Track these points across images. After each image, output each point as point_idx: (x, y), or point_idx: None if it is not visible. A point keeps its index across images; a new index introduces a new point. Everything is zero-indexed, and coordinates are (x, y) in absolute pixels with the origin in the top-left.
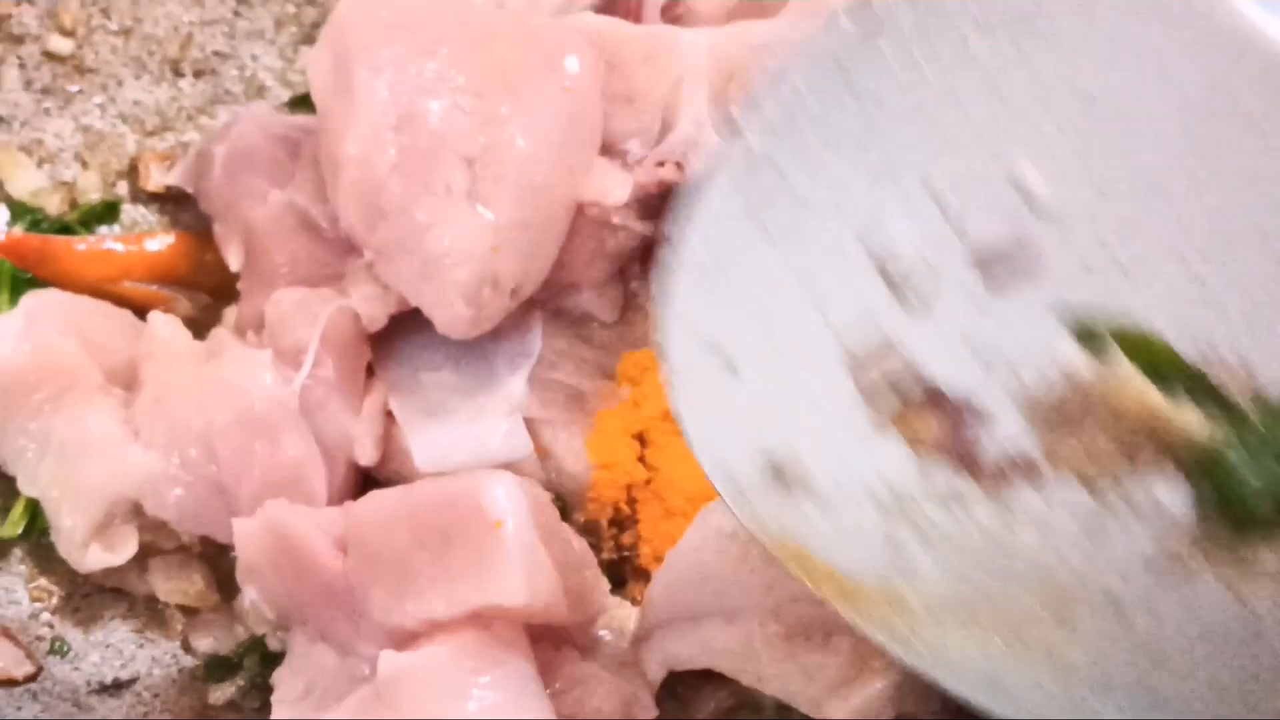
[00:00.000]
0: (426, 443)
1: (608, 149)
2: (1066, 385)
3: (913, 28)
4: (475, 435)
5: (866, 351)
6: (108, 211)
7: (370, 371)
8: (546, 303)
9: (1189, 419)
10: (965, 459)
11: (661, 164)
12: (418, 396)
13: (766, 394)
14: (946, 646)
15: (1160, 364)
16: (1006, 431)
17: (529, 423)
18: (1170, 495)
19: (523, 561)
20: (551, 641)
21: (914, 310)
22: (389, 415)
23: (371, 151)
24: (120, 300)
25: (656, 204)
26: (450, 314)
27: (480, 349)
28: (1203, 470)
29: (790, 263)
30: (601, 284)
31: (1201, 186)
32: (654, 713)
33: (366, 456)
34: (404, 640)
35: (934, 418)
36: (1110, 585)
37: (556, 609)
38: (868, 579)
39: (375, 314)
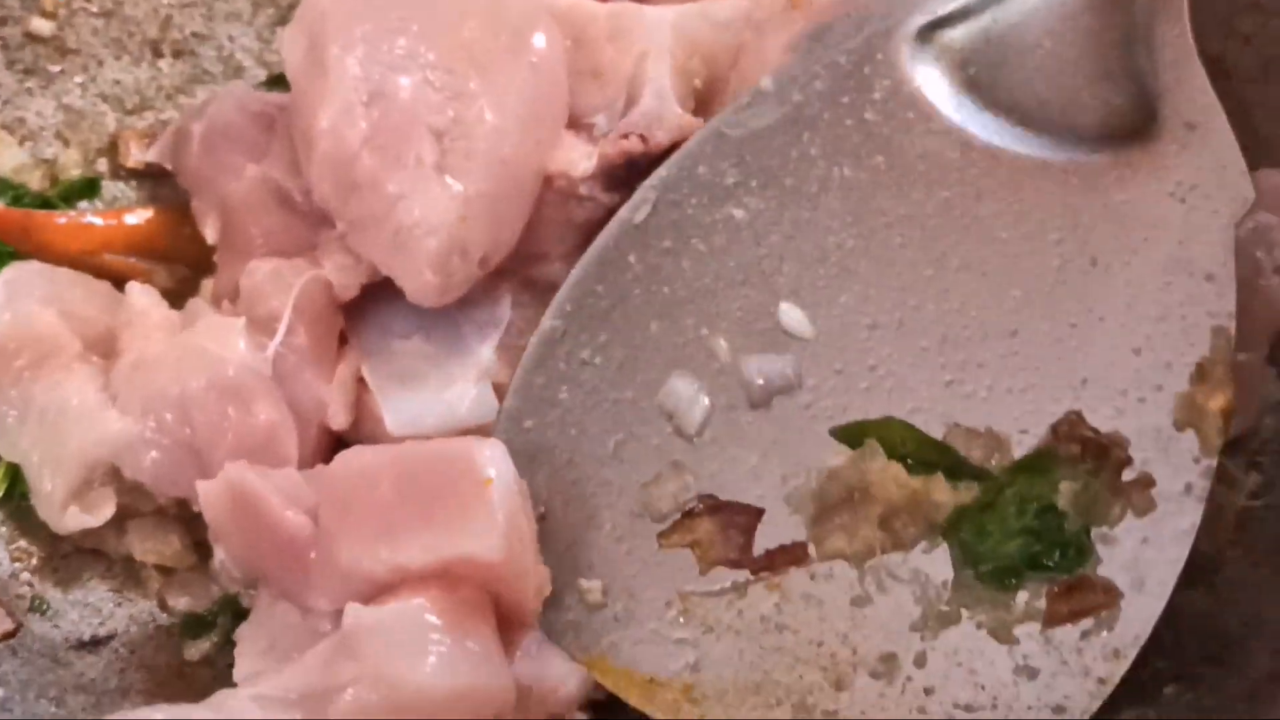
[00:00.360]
0: (397, 408)
1: (574, 123)
2: (828, 479)
3: (678, 209)
4: (445, 401)
5: (654, 480)
6: (88, 187)
7: (343, 339)
8: (515, 273)
9: (941, 490)
10: (741, 555)
11: (625, 136)
12: (389, 363)
13: (570, 532)
14: None
15: (912, 447)
16: (776, 526)
17: (498, 389)
18: (930, 562)
19: (506, 519)
20: (514, 618)
21: (692, 438)
22: (361, 382)
23: (343, 126)
24: (100, 272)
25: (622, 175)
26: (420, 282)
27: (450, 318)
28: (959, 532)
29: (589, 423)
30: (569, 254)
31: (942, 293)
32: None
33: (339, 421)
34: (369, 596)
35: (711, 523)
36: (882, 649)
37: (525, 575)
38: (664, 675)
39: (348, 283)
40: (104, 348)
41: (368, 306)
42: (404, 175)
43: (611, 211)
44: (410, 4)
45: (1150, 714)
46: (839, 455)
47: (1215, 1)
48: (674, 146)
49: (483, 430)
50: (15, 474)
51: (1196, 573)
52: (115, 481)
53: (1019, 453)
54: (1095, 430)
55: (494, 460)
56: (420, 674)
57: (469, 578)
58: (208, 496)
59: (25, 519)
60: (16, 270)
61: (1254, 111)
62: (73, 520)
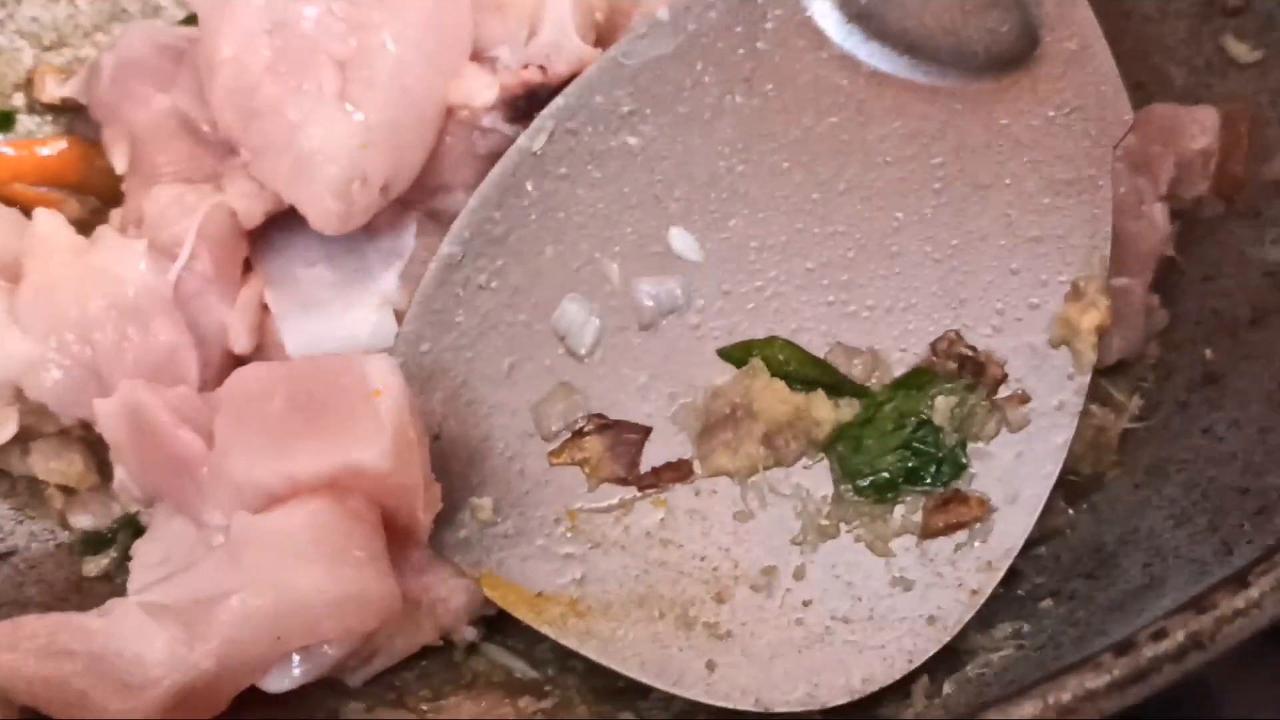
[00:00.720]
0: (299, 331)
1: (478, 56)
2: (714, 398)
3: (575, 137)
4: (346, 325)
5: (545, 400)
6: (3, 121)
7: (247, 267)
8: (419, 204)
9: (822, 407)
10: (628, 472)
11: (526, 67)
12: (293, 290)
13: (463, 452)
14: (620, 637)
15: (795, 366)
16: (663, 443)
17: (399, 316)
18: (811, 477)
19: (394, 428)
20: (405, 534)
21: (583, 358)
22: (264, 308)
23: (245, 53)
24: (11, 202)
25: (523, 106)
26: (321, 209)
27: (355, 246)
28: (839, 448)
29: (484, 346)
30: (472, 185)
31: (828, 216)
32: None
33: (241, 344)
34: (260, 507)
35: (600, 441)
36: (762, 563)
37: (414, 488)
38: (551, 590)
39: (251, 210)
40: (10, 273)
41: (272, 234)
42: (305, 103)
43: (513, 141)
44: None
45: (1025, 627)
46: (724, 374)
47: None
48: (574, 77)
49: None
50: None
51: (1079, 493)
52: (19, 402)
53: (898, 370)
54: (972, 348)
55: (383, 373)
56: (305, 580)
57: (357, 488)
58: (105, 414)
59: None
60: None
61: (1152, 50)
62: None
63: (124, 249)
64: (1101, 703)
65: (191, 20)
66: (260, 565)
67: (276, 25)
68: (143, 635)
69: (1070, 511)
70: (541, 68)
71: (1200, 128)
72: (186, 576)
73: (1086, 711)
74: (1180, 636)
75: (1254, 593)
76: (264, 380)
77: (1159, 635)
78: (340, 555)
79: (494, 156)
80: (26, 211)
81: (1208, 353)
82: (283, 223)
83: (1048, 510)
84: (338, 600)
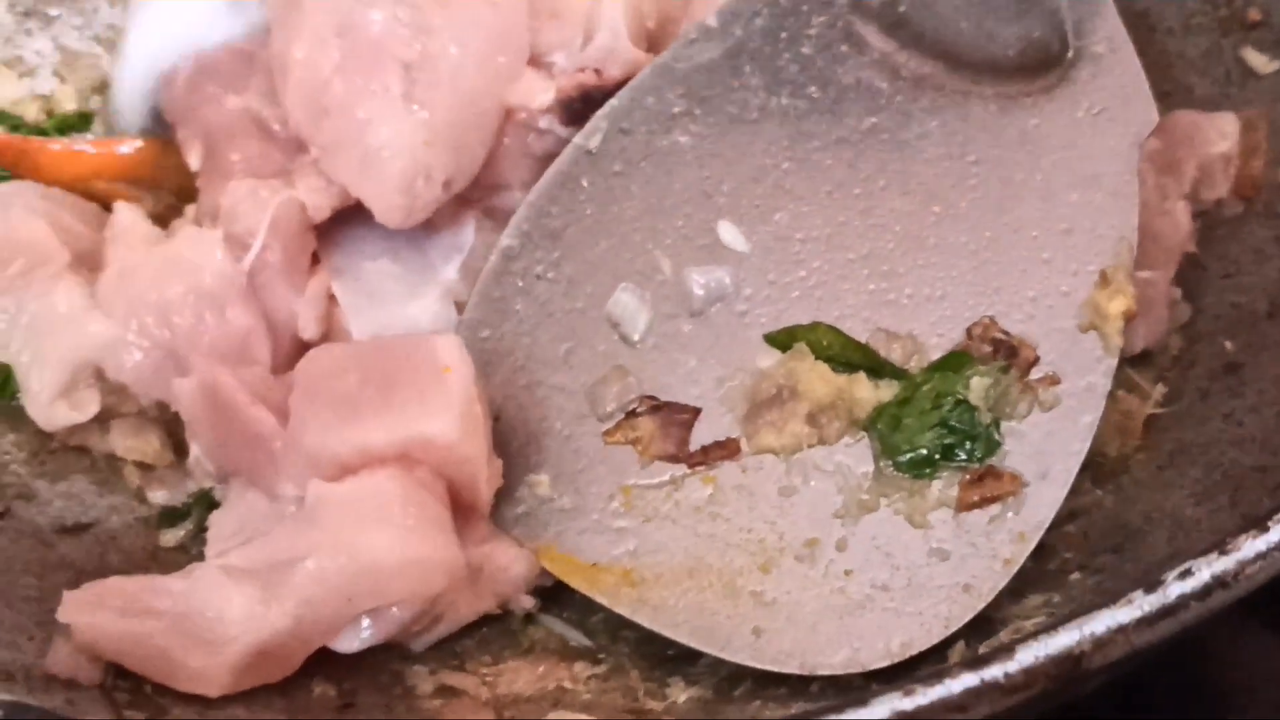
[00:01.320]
0: (364, 320)
1: (535, 60)
2: (760, 380)
3: (628, 136)
4: (409, 315)
5: (600, 382)
6: (81, 121)
7: (315, 260)
8: (478, 201)
9: (863, 388)
10: (679, 450)
11: (582, 70)
12: (358, 281)
13: (522, 432)
14: (671, 605)
15: (837, 350)
16: (711, 423)
17: (459, 307)
18: (852, 454)
19: (461, 402)
20: (469, 506)
21: (636, 344)
22: (331, 298)
23: (316, 55)
24: (91, 198)
25: (578, 108)
26: (387, 203)
27: (417, 241)
28: (879, 426)
29: (541, 332)
30: (529, 183)
31: (868, 210)
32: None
33: (310, 332)
34: (332, 477)
35: (652, 421)
36: (806, 535)
37: (479, 461)
38: (605, 561)
39: (320, 204)
40: (92, 261)
41: (339, 229)
42: (372, 102)
43: (568, 143)
44: None
45: (1055, 597)
46: (770, 358)
47: None
48: (627, 80)
49: None
50: (7, 374)
51: (1106, 475)
52: (100, 382)
53: (935, 353)
54: (1006, 332)
55: (452, 350)
56: (377, 543)
57: (425, 459)
58: (183, 393)
59: (16, 417)
60: (10, 186)
61: (1175, 63)
62: (60, 417)
63: (201, 238)
64: (1132, 636)
65: None
66: (334, 530)
67: (345, 29)
68: (222, 595)
69: (1098, 492)
70: (596, 71)
71: (1221, 133)
72: (262, 542)
73: (1118, 644)
74: (1205, 576)
75: (1274, 536)
76: (338, 358)
77: (1185, 574)
78: (409, 521)
79: (550, 156)
80: (106, 207)
81: (1228, 344)
82: (349, 217)
83: (1076, 490)
84: (406, 563)
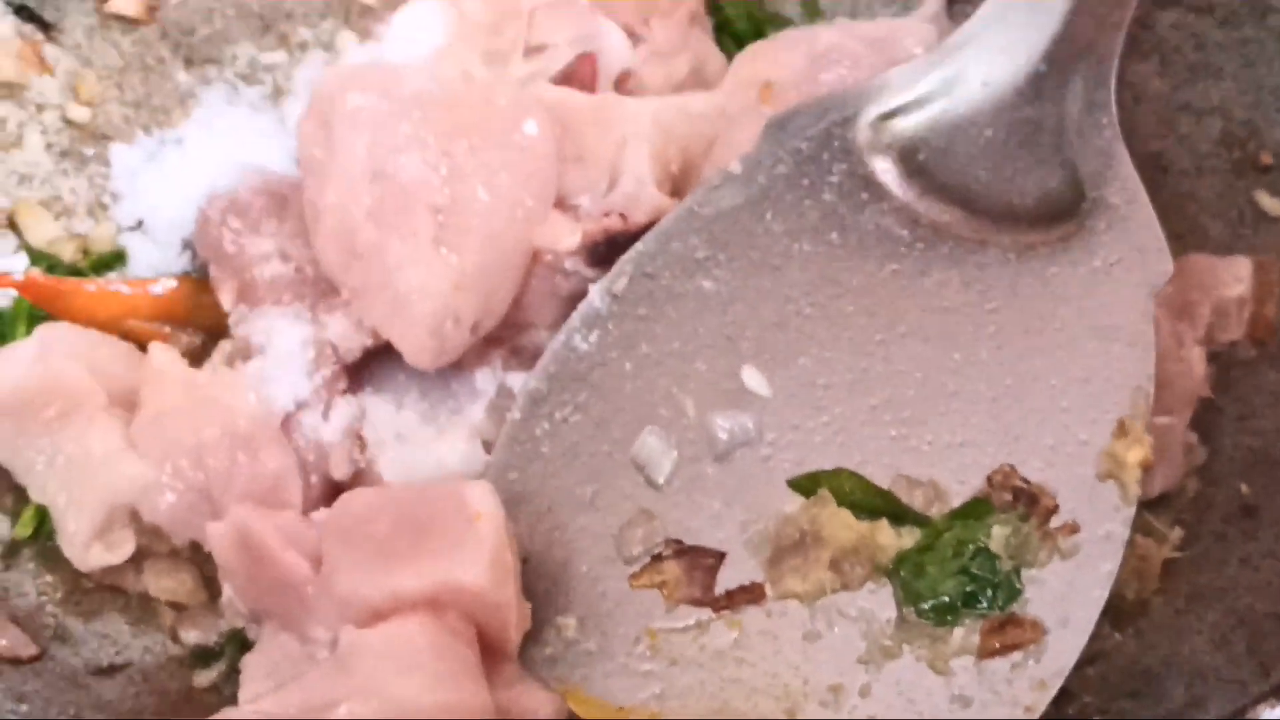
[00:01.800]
0: (394, 460)
1: (561, 203)
2: (784, 525)
3: (653, 280)
4: (437, 454)
5: (626, 526)
6: (116, 260)
7: (345, 397)
8: (505, 341)
9: (886, 535)
10: (704, 594)
11: (607, 215)
12: (387, 421)
13: (549, 574)
14: None
15: (860, 496)
16: (736, 567)
17: (486, 446)
18: (876, 600)
19: (492, 550)
20: (497, 650)
21: (661, 487)
22: (361, 436)
23: (349, 200)
24: (125, 336)
25: (603, 251)
26: (416, 346)
27: (444, 380)
28: (901, 573)
29: (568, 474)
30: (554, 324)
31: (890, 357)
32: None
33: (340, 471)
34: (364, 623)
35: (677, 565)
36: (830, 681)
37: (508, 606)
38: (632, 705)
39: (351, 346)
40: (127, 402)
41: (369, 368)
42: (403, 246)
43: (594, 283)
44: (413, 92)
45: None
46: (794, 503)
47: (1155, 102)
48: (651, 225)
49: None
50: (43, 515)
51: (1124, 618)
52: (134, 523)
53: (957, 501)
54: (1026, 480)
55: (483, 498)
56: (409, 690)
57: (456, 605)
58: (216, 537)
59: (52, 557)
60: (48, 329)
61: (1188, 205)
62: (95, 558)
63: (235, 381)
64: None
65: None
66: (366, 676)
67: (377, 174)
68: None
69: (1117, 635)
70: (622, 216)
71: (1235, 277)
72: (295, 687)
73: None
74: None
75: None
76: (370, 504)
77: None
78: (440, 667)
79: (575, 297)
80: (140, 345)
81: (1244, 487)
82: (378, 357)
83: (1095, 633)
84: (437, 709)
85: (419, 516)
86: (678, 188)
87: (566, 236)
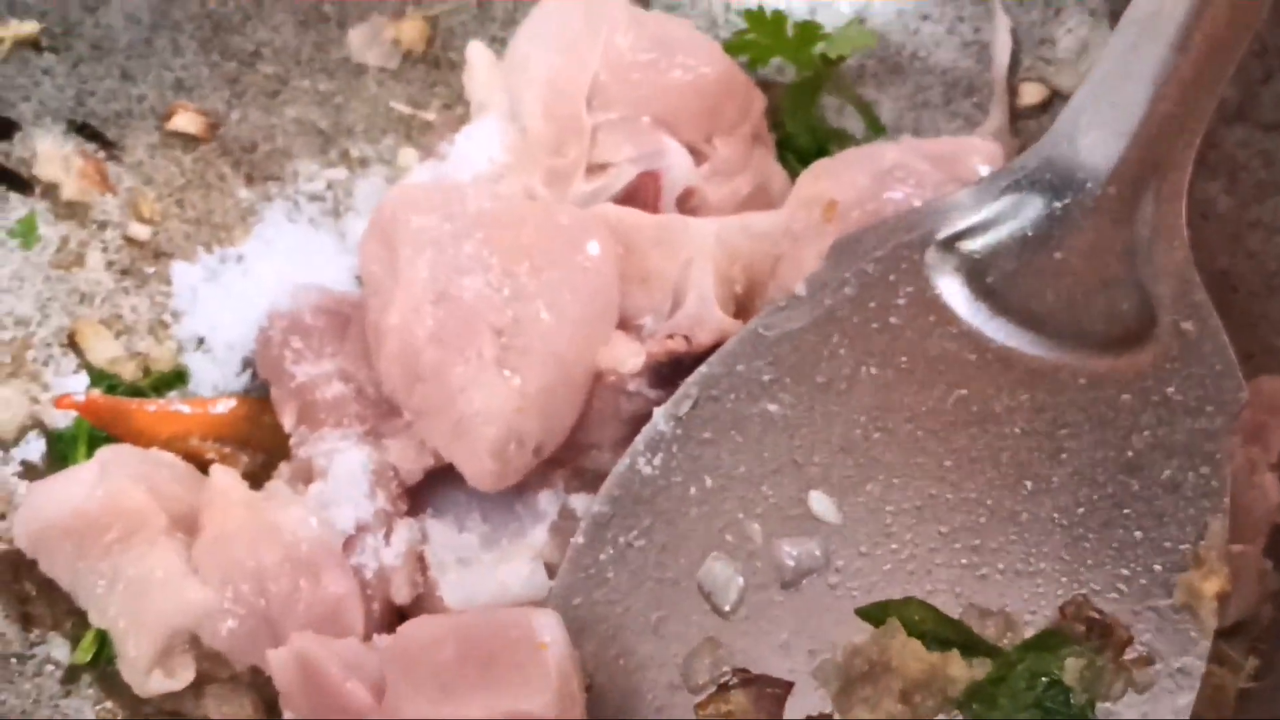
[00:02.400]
0: (455, 584)
1: (625, 323)
2: (853, 655)
3: (717, 403)
4: (499, 578)
5: (692, 654)
6: (177, 379)
7: (407, 517)
8: (567, 461)
9: (957, 666)
10: None
11: (671, 337)
12: (449, 543)
13: (614, 702)
14: None
15: (930, 626)
16: (804, 698)
17: (549, 568)
18: None
19: (558, 680)
20: None
21: (728, 614)
22: (422, 558)
23: (412, 323)
24: (186, 456)
25: (667, 373)
26: (479, 468)
27: (507, 502)
28: (973, 705)
29: (633, 601)
30: (617, 444)
31: (960, 483)
32: None
33: (401, 595)
34: None
35: (744, 694)
36: None
37: None
38: None
39: (413, 468)
40: (187, 524)
41: (430, 490)
42: (466, 369)
43: (657, 404)
44: (476, 213)
45: None
46: (863, 632)
47: (1223, 220)
48: (715, 346)
49: (534, 605)
50: (103, 640)
51: None
52: (195, 648)
53: (1029, 631)
54: (1100, 611)
55: (550, 627)
56: None
57: None
58: (277, 665)
59: (112, 682)
60: (109, 452)
61: (1258, 323)
62: (155, 684)
63: (296, 505)
64: None
65: None
66: None
67: (440, 296)
68: None
69: None
70: (686, 338)
71: None
72: None
73: None
74: None
75: None
76: (435, 631)
77: None
78: None
79: (638, 418)
80: (200, 465)
81: None
82: (440, 478)
83: None
84: None
85: (484, 645)
86: (742, 308)
87: (630, 358)
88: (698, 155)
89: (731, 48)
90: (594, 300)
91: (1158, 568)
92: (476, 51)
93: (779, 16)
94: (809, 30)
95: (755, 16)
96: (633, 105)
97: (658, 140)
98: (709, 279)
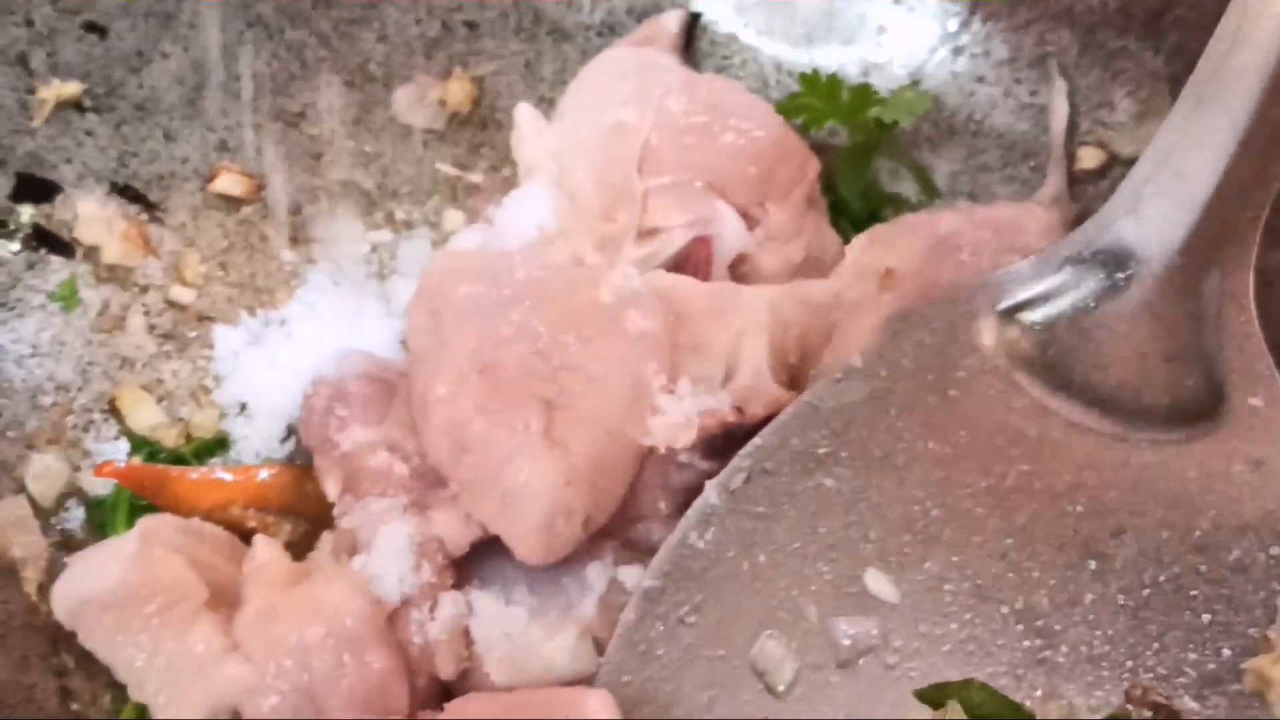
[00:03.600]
0: (502, 659)
1: (675, 393)
2: None
3: (771, 477)
4: (546, 654)
5: None
6: (219, 445)
7: (453, 590)
8: (616, 533)
9: None
10: None
11: (723, 409)
12: (495, 617)
13: None
14: None
15: (991, 709)
16: None
17: (598, 643)
18: None
19: None
20: None
21: (782, 695)
22: (467, 632)
23: (458, 393)
24: (229, 525)
25: (720, 445)
26: (526, 543)
27: (555, 575)
28: None
29: (685, 679)
30: (666, 516)
31: (1022, 561)
32: None
33: (447, 671)
34: None
35: None
36: None
37: None
38: None
39: (458, 541)
40: (228, 596)
41: (476, 563)
42: (513, 440)
43: (708, 476)
44: (524, 280)
45: None
46: (922, 715)
47: None
48: (769, 418)
49: (583, 682)
50: (142, 714)
51: None
52: None
53: (1092, 716)
54: (1166, 697)
55: (602, 709)
56: None
57: None
58: None
59: None
60: (150, 521)
61: None
62: None
63: (341, 579)
64: None
65: None
66: None
67: (487, 366)
68: None
69: None
70: (739, 409)
71: None
72: None
73: None
74: None
75: None
76: (486, 710)
77: None
78: None
79: (689, 489)
80: (241, 534)
81: None
82: (486, 549)
83: None
84: None
85: None
86: (796, 378)
87: (682, 431)
88: (750, 220)
89: (785, 110)
90: (643, 371)
91: (1226, 652)
92: (525, 114)
93: (834, 80)
94: (864, 94)
95: (810, 80)
96: (685, 169)
97: (710, 205)
98: (762, 350)
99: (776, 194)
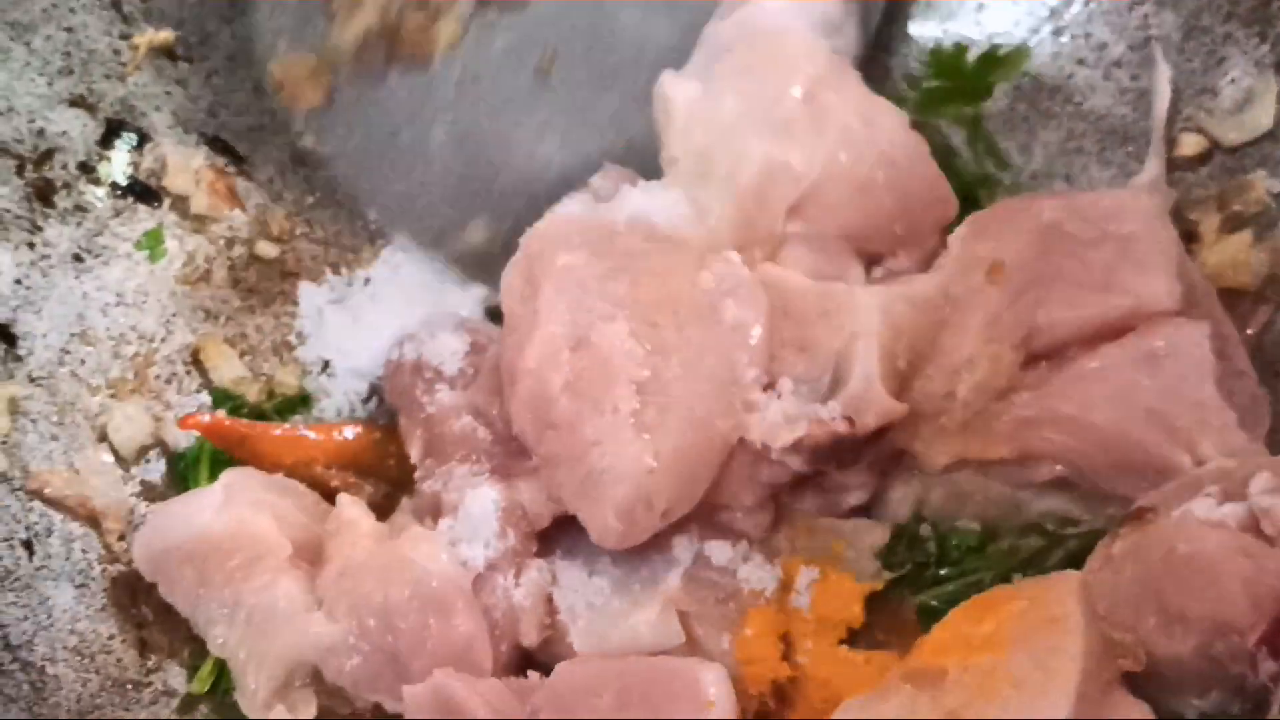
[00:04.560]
0: (585, 629)
1: (777, 391)
2: None
3: None
4: (630, 626)
5: None
6: (302, 401)
7: (537, 558)
8: (698, 517)
9: None
10: None
11: (833, 419)
12: (578, 586)
13: None
14: None
15: None
16: None
17: (680, 615)
18: None
19: None
20: None
21: None
22: (551, 601)
23: (548, 368)
24: (310, 483)
25: (824, 452)
26: (603, 526)
27: (641, 546)
28: None
29: None
30: (751, 508)
31: None
32: None
33: (530, 638)
34: None
35: None
36: None
37: None
38: None
39: (540, 513)
40: (312, 554)
41: (561, 530)
42: (600, 422)
43: (800, 476)
44: (623, 251)
45: None
46: None
47: None
48: (879, 430)
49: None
50: (221, 669)
51: None
52: (316, 683)
53: None
54: None
55: (717, 682)
56: None
57: None
58: (414, 702)
59: (229, 714)
60: (235, 475)
61: None
62: (275, 718)
63: (428, 540)
64: None
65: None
66: None
67: (580, 343)
68: None
69: None
70: (849, 419)
71: None
72: None
73: None
74: None
75: None
76: (594, 675)
77: None
78: None
79: (775, 484)
80: (323, 493)
81: None
82: (568, 522)
83: None
84: None
85: (648, 695)
86: (904, 382)
87: (784, 431)
88: (874, 259)
89: (923, 104)
90: (739, 365)
91: None
92: (675, 88)
93: (960, 49)
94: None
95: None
96: (833, 224)
97: (843, 264)
98: (874, 358)
99: (912, 242)
